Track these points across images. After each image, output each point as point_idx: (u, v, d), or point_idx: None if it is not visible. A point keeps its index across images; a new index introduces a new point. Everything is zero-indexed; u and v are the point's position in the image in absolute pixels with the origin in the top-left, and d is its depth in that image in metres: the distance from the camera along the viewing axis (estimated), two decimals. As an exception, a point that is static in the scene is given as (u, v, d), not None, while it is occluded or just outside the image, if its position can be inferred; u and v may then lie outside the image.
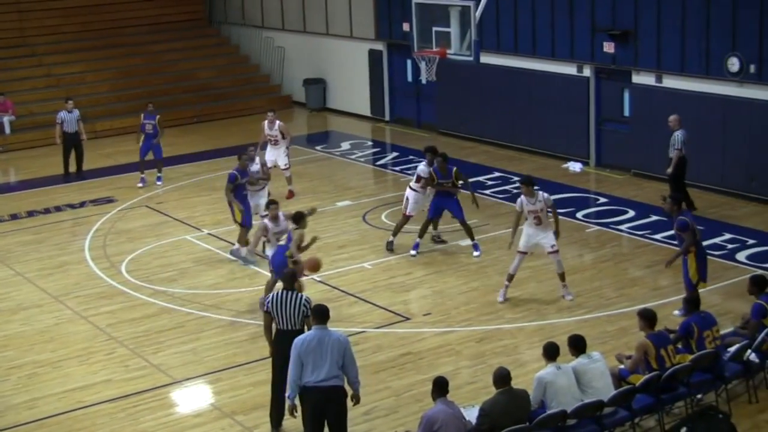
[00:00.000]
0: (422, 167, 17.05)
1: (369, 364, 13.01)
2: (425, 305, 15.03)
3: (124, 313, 15.19)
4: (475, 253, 16.94)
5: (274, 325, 11.15)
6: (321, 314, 10.20)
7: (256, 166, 17.41)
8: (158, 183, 22.34)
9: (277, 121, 20.52)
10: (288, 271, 11.49)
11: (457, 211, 16.96)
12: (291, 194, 20.52)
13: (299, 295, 11.11)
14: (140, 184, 22.11)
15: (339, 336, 10.17)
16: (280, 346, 11.00)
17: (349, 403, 10.33)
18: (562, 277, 14.93)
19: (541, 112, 23.27)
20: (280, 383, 11.01)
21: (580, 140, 22.53)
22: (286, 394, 10.27)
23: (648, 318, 11.15)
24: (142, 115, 22.29)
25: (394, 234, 17.22)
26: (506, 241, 15.54)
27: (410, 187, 17.22)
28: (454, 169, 16.91)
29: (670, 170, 18.39)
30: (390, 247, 17.24)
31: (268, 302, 11.13)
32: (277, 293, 11.15)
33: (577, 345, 10.66)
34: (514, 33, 23.55)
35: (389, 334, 13.99)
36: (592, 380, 10.45)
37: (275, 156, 20.44)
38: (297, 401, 10.18)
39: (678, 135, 18.28)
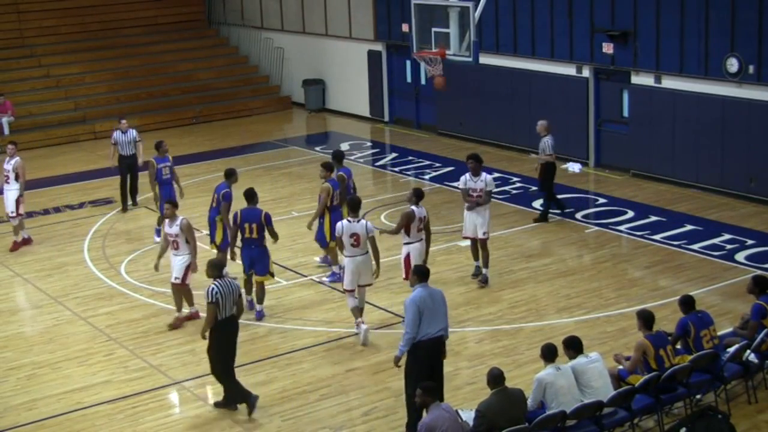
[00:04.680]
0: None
1: (369, 365, 13.02)
2: (424, 306, 14.99)
3: (124, 314, 15.18)
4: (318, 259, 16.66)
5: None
6: (425, 273, 11.10)
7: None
8: (156, 239, 18.09)
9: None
10: (218, 260, 12.08)
11: None
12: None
13: (230, 281, 11.79)
14: (158, 238, 17.97)
15: (440, 290, 11.18)
16: (224, 333, 11.75)
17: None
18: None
19: (541, 113, 23.16)
20: (229, 370, 11.89)
21: (580, 141, 22.54)
22: (401, 348, 10.94)
23: (645, 318, 11.16)
24: (153, 160, 17.95)
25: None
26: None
27: None
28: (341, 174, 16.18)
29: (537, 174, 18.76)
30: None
31: (216, 293, 11.57)
32: (219, 283, 11.65)
33: (573, 346, 10.66)
34: (513, 34, 23.56)
35: (389, 335, 13.97)
36: (591, 380, 10.45)
37: None
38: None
39: (547, 141, 18.34)
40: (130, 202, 20.45)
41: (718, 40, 19.40)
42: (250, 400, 11.85)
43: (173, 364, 13.38)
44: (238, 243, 14.77)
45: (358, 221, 13.62)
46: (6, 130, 26.57)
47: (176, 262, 14.33)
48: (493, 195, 16.10)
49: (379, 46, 27.77)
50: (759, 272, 14.55)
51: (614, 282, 15.75)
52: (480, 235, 15.56)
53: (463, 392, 12.13)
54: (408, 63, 26.44)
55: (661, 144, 20.78)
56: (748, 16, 18.85)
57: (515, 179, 21.61)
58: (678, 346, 11.53)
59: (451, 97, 25.41)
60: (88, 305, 15.60)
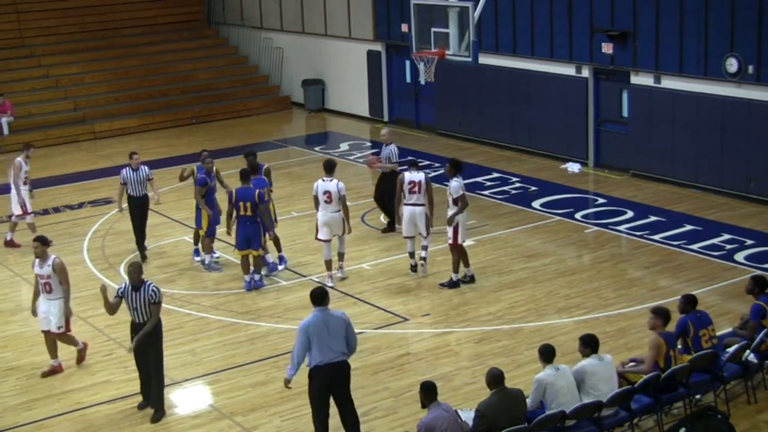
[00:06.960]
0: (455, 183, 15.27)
1: (368, 365, 13.02)
2: (424, 306, 15.03)
3: (123, 314, 15.03)
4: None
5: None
6: (320, 297, 10.61)
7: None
8: (196, 258, 17.26)
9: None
10: (135, 264, 12.00)
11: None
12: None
13: (146, 283, 11.78)
14: (197, 258, 17.27)
15: (341, 314, 10.71)
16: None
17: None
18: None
19: (540, 113, 23.28)
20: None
21: (579, 141, 22.55)
22: (290, 372, 10.64)
23: (663, 315, 11.12)
24: (194, 167, 16.89)
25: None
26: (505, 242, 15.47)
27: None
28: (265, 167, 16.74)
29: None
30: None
31: (121, 291, 11.84)
32: (126, 285, 11.84)
33: (590, 344, 10.59)
34: (512, 34, 23.56)
35: (388, 335, 14.00)
36: (599, 383, 10.41)
37: None
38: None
39: (392, 149, 18.22)
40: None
41: (718, 41, 19.40)
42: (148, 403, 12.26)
43: (173, 364, 13.37)
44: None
45: (331, 181, 15.37)
46: (6, 130, 26.58)
47: (51, 307, 12.95)
48: (471, 196, 16.37)
49: (378, 47, 27.78)
50: (758, 272, 14.55)
51: (614, 282, 15.75)
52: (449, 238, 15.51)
53: (463, 392, 12.14)
54: (407, 63, 26.43)
55: (660, 144, 20.79)
56: (747, 16, 18.86)
57: (514, 179, 21.61)
58: (678, 346, 11.53)
59: (451, 97, 25.45)
60: (88, 305, 15.57)
